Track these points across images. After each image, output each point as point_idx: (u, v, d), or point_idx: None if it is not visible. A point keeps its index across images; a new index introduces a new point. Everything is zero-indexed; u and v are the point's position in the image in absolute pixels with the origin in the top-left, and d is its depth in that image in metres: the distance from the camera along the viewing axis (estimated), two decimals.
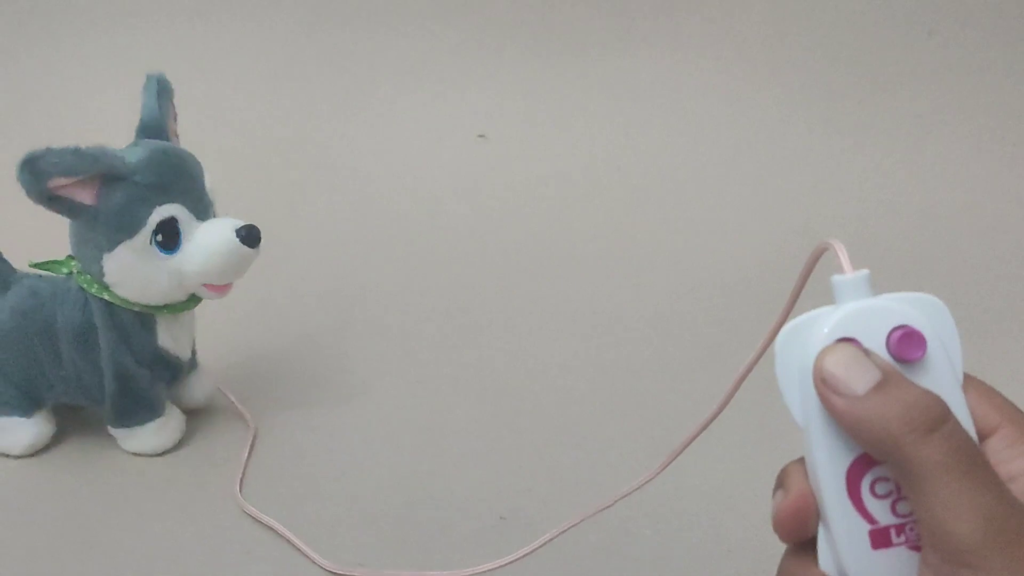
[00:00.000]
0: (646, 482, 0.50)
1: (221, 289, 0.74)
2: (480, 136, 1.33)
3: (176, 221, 0.71)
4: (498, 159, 1.30)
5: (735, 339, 0.98)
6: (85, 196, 0.69)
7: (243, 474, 0.76)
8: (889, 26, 1.33)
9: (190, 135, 1.33)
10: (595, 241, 1.17)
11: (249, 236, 0.71)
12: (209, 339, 0.85)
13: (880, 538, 0.36)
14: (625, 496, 0.51)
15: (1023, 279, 1.09)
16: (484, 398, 0.87)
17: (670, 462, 0.48)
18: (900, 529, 0.36)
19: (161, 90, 0.78)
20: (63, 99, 1.38)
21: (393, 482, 0.75)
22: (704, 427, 0.45)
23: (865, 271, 0.37)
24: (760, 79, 1.34)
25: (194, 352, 0.82)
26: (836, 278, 0.38)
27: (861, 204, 1.22)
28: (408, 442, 0.81)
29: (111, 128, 1.33)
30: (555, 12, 1.38)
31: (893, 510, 0.36)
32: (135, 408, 0.77)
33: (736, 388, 0.43)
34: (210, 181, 0.74)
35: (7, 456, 0.78)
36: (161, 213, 0.70)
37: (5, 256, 0.78)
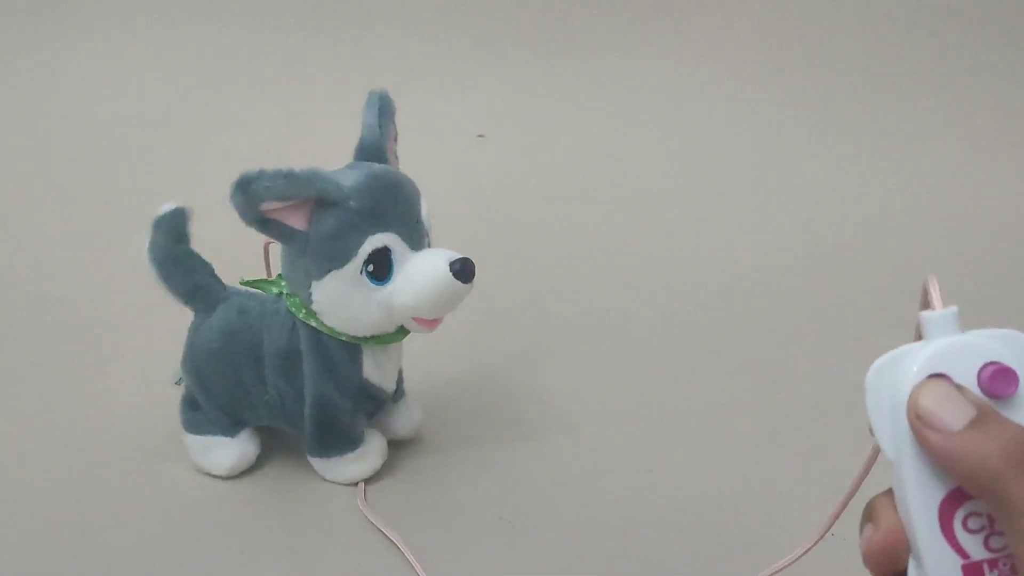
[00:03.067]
0: (811, 547, 0.52)
1: (431, 323, 0.70)
2: (480, 136, 1.33)
3: (389, 251, 0.67)
4: (498, 159, 1.30)
5: (735, 339, 0.98)
6: (296, 221, 0.66)
7: (368, 481, 0.76)
8: (889, 26, 1.33)
9: (192, 135, 1.33)
10: (595, 241, 1.17)
11: (463, 271, 0.67)
12: None
13: (973, 573, 0.36)
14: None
15: (1022, 278, 1.09)
16: (501, 402, 0.87)
17: (832, 523, 0.50)
18: (993, 564, 0.36)
19: (383, 108, 0.74)
20: (62, 98, 1.38)
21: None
22: (864, 476, 0.45)
23: (954, 308, 0.38)
24: (760, 79, 1.34)
25: (401, 381, 0.79)
26: (925, 314, 0.39)
27: (861, 204, 1.22)
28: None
29: (110, 127, 1.33)
30: (555, 12, 1.38)
31: (986, 545, 0.36)
32: (333, 439, 0.74)
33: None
34: (426, 208, 0.71)
35: (214, 476, 0.77)
36: (374, 242, 0.66)
37: (216, 271, 0.76)
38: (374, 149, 0.72)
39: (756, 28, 1.36)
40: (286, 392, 0.73)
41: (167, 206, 0.73)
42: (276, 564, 0.69)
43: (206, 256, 0.76)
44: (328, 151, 1.32)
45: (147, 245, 0.73)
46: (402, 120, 1.41)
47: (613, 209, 1.23)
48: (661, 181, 1.28)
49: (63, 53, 1.41)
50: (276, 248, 0.72)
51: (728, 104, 1.34)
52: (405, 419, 0.79)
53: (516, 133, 1.33)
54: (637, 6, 1.38)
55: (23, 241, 1.17)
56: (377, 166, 0.70)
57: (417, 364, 0.81)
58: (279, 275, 0.73)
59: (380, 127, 0.72)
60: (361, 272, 0.66)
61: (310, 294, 0.68)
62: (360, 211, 0.66)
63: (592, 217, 1.21)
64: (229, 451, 0.76)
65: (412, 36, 1.39)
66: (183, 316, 0.76)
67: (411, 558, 0.67)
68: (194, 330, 0.75)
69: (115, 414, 0.85)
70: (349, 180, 0.67)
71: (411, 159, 1.33)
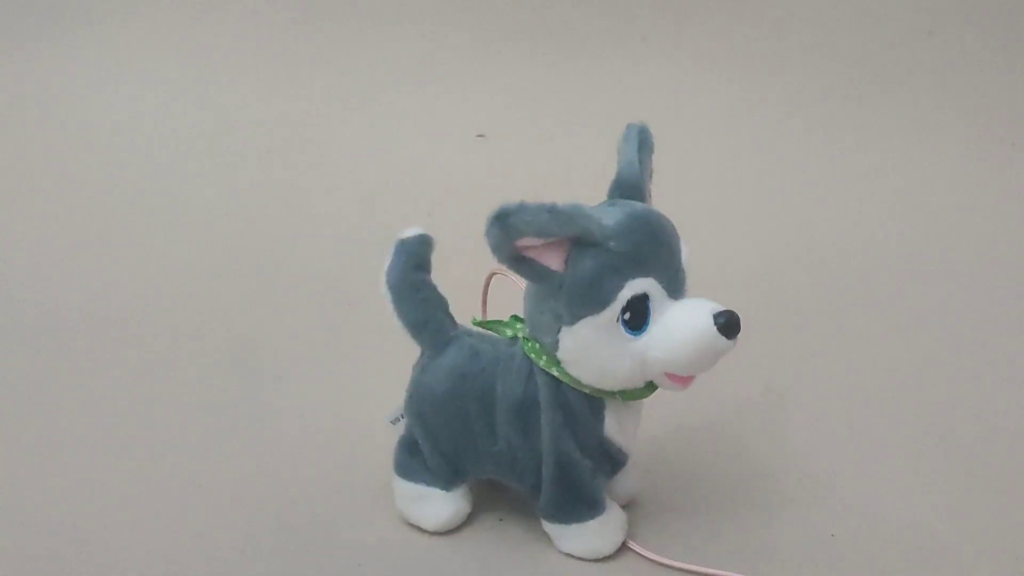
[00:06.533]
0: None
1: (685, 381, 0.63)
2: (480, 136, 1.33)
3: (647, 299, 0.61)
4: (498, 159, 1.30)
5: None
6: (552, 260, 0.61)
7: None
8: (889, 26, 1.33)
9: (191, 135, 1.33)
10: None
11: (728, 325, 0.60)
12: None
13: None
14: None
15: (1022, 279, 1.09)
16: None
17: None
18: None
19: (643, 142, 0.68)
20: (60, 98, 1.38)
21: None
22: None
23: None
24: (760, 79, 1.33)
25: None
26: None
27: (861, 204, 1.22)
28: None
29: (108, 127, 1.33)
30: (555, 12, 1.38)
31: None
32: (574, 502, 0.67)
33: None
34: (686, 252, 0.65)
35: (420, 529, 0.72)
36: (633, 288, 0.60)
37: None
38: (632, 186, 0.66)
39: (756, 29, 1.35)
40: (518, 445, 0.67)
41: (412, 230, 0.69)
42: None
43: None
44: (327, 149, 1.32)
45: (385, 268, 0.69)
46: (402, 120, 1.41)
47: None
48: (660, 180, 1.27)
49: (63, 53, 1.41)
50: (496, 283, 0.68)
51: (728, 104, 1.34)
52: (622, 483, 0.73)
53: (516, 133, 1.33)
54: (637, 6, 1.38)
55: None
56: (639, 205, 0.64)
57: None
58: (513, 317, 0.69)
59: (640, 163, 0.67)
60: (617, 320, 0.61)
61: (557, 340, 0.63)
62: (621, 254, 0.60)
63: None
64: (443, 505, 0.70)
65: (412, 36, 1.39)
66: (410, 349, 0.71)
67: None
68: (421, 369, 0.70)
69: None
70: (611, 219, 0.61)
71: (411, 159, 1.33)
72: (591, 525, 0.68)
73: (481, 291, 0.72)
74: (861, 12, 1.34)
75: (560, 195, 1.31)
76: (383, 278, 0.69)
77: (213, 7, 1.42)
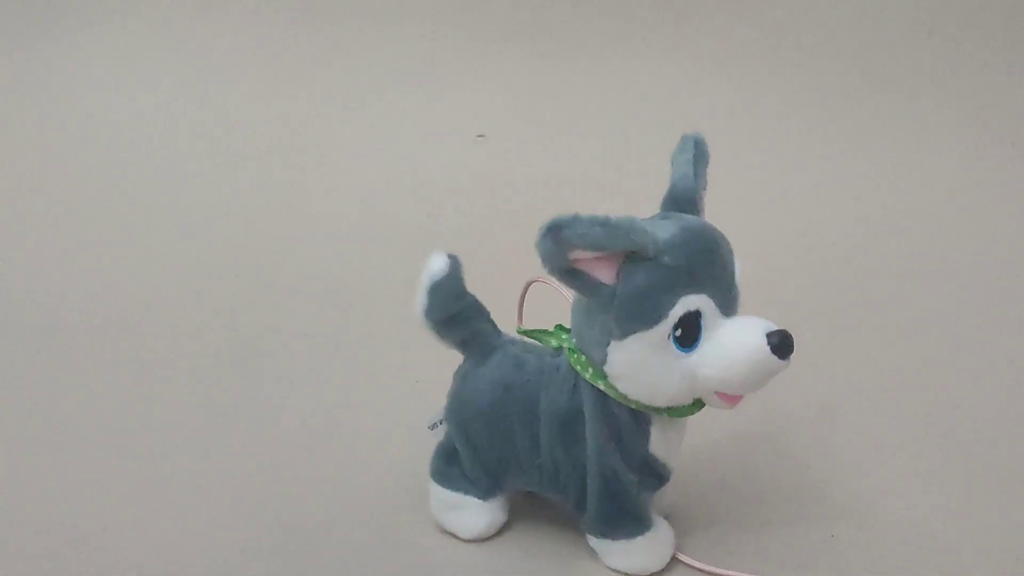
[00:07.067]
0: None
1: (734, 400, 0.62)
2: (480, 136, 1.33)
3: (699, 316, 0.60)
4: (498, 159, 1.30)
5: None
6: (604, 273, 0.59)
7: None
8: (889, 26, 1.33)
9: (191, 135, 1.33)
10: None
11: (782, 345, 0.59)
12: None
13: None
14: None
15: (1022, 279, 1.09)
16: None
17: None
18: None
19: (698, 155, 0.67)
20: (60, 98, 1.38)
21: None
22: None
23: None
24: (760, 79, 1.33)
25: None
26: None
27: (861, 204, 1.22)
28: None
29: (108, 127, 1.33)
30: (555, 12, 1.38)
31: None
32: (620, 518, 0.66)
33: None
34: (740, 269, 0.63)
35: (455, 537, 0.71)
36: (686, 304, 0.59)
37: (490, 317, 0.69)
38: (687, 199, 0.65)
39: (756, 28, 1.35)
40: (561, 460, 0.66)
41: (439, 263, 0.65)
42: None
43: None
44: (327, 149, 1.32)
45: (422, 308, 0.66)
46: (402, 120, 1.40)
47: (612, 209, 1.23)
48: (660, 181, 1.27)
49: (63, 53, 1.41)
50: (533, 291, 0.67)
51: (728, 104, 1.34)
52: (662, 495, 0.72)
53: (516, 133, 1.33)
54: (637, 6, 1.38)
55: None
56: (692, 219, 0.63)
57: None
58: (558, 326, 0.68)
59: (696, 175, 0.66)
60: (669, 337, 0.60)
61: (606, 355, 0.61)
62: (675, 269, 0.59)
63: None
64: (480, 515, 0.70)
65: (411, 36, 1.39)
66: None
67: None
68: (463, 377, 0.69)
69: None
70: (664, 232, 0.60)
71: (411, 159, 1.33)
72: (639, 541, 0.67)
73: (518, 300, 0.71)
74: (861, 12, 1.34)
75: (560, 195, 1.32)
76: (421, 316, 0.66)
77: (213, 7, 1.42)
